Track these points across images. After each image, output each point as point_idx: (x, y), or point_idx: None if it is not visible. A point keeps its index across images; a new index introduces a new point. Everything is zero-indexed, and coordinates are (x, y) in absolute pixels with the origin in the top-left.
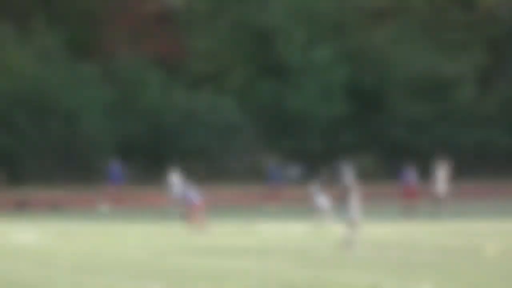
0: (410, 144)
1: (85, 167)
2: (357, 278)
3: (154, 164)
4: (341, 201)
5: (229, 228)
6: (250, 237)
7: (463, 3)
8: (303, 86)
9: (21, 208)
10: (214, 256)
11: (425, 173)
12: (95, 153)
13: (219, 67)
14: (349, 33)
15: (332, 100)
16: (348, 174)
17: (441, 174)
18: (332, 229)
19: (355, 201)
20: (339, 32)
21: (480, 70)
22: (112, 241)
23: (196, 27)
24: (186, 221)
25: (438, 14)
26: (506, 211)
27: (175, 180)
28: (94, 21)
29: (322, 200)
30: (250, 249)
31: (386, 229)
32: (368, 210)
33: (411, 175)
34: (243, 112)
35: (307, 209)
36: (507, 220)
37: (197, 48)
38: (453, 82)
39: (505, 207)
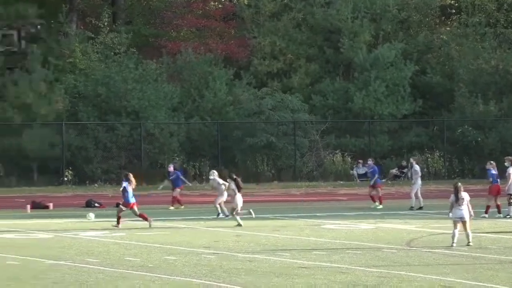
0: (478, 142)
1: (151, 167)
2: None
3: (219, 163)
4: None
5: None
6: (320, 233)
7: None
8: (370, 84)
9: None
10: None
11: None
12: (161, 153)
13: (286, 65)
14: (415, 31)
15: (398, 98)
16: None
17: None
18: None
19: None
20: (405, 30)
21: None
22: (184, 238)
23: (262, 25)
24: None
25: (505, 11)
26: None
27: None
28: (160, 19)
29: None
30: (320, 245)
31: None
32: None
33: (493, 173)
34: (309, 110)
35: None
36: None
37: (263, 46)
38: None
39: None
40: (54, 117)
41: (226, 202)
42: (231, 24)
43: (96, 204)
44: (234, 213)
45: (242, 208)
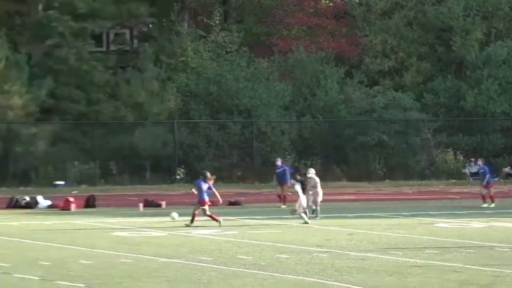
0: None
1: (263, 165)
2: None
3: (331, 162)
4: None
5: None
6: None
7: None
8: (482, 82)
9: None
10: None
11: None
12: (273, 151)
13: (397, 63)
14: None
15: (511, 96)
16: None
17: None
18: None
19: None
20: None
21: None
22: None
23: (373, 24)
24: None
25: None
26: None
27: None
28: (271, 18)
29: None
30: (433, 244)
31: None
32: None
33: None
34: (421, 108)
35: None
36: None
37: (375, 45)
38: None
39: None
40: (166, 115)
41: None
42: (342, 23)
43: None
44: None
45: (304, 208)
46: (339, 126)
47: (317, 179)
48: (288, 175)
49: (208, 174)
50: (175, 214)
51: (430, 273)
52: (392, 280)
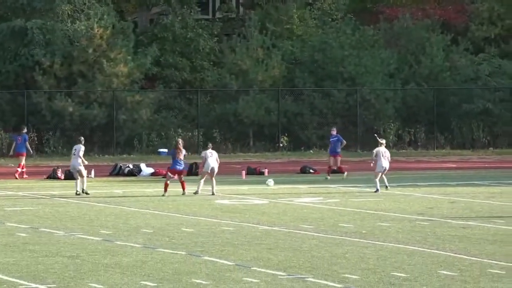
0: None
1: (366, 133)
2: None
3: (434, 130)
4: None
5: None
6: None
7: None
8: None
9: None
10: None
11: None
12: (377, 119)
13: (504, 31)
14: None
15: None
16: None
17: None
18: None
19: None
20: None
21: None
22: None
23: None
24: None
25: None
26: None
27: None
28: None
29: None
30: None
31: None
32: None
33: None
34: None
35: None
36: None
37: (481, 12)
38: None
39: None
40: (270, 83)
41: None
42: None
43: (311, 170)
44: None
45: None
46: (443, 93)
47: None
48: (340, 145)
49: (179, 144)
50: (270, 181)
51: None
52: (493, 249)
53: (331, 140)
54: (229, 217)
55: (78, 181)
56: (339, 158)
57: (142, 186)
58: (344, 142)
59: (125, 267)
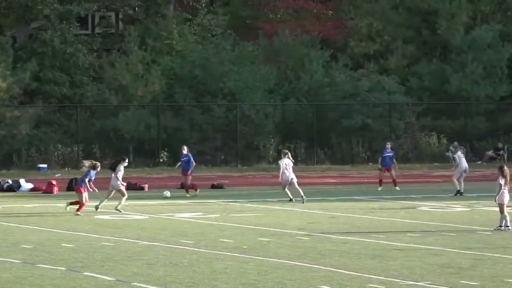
0: None
1: (246, 148)
2: None
3: (314, 145)
4: None
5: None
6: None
7: None
8: (467, 66)
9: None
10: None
11: None
12: (257, 135)
13: (382, 47)
14: None
15: (496, 80)
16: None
17: None
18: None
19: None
20: (503, 11)
21: None
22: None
23: (359, 7)
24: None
25: None
26: None
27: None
28: (258, 1)
29: None
30: (415, 227)
31: None
32: None
33: None
34: (406, 92)
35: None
36: None
37: (360, 28)
38: None
39: None
40: (150, 98)
41: None
42: (328, 6)
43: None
44: None
45: None
46: (323, 109)
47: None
48: (191, 164)
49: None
50: (167, 193)
51: (411, 256)
52: (373, 263)
53: (386, 155)
54: (109, 233)
55: None
56: (393, 172)
57: (22, 201)
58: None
59: (4, 283)
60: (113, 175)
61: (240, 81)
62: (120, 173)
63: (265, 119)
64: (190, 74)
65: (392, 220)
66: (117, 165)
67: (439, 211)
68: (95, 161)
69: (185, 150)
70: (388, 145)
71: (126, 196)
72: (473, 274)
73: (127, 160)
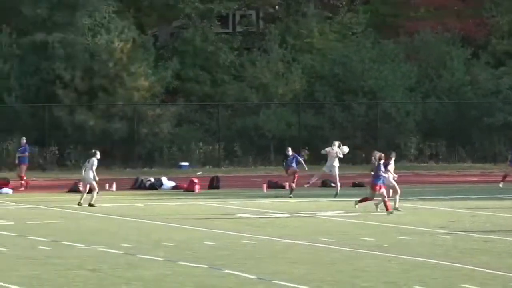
0: None
1: (387, 147)
2: None
3: (455, 144)
4: None
5: None
6: None
7: None
8: None
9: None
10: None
11: None
12: (397, 133)
13: None
14: None
15: None
16: None
17: None
18: None
19: None
20: None
21: None
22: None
23: (501, 4)
24: None
25: None
26: None
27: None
28: None
29: None
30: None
31: None
32: None
33: None
34: None
35: None
36: None
37: (502, 25)
38: None
39: None
40: (291, 97)
41: None
42: (469, 3)
43: (332, 184)
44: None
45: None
46: (464, 107)
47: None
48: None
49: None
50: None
51: None
52: None
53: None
54: (251, 231)
55: (85, 194)
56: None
57: (164, 199)
58: None
59: (147, 281)
60: (87, 168)
61: (380, 79)
62: (94, 167)
63: (406, 117)
64: (330, 73)
65: None
66: (90, 159)
67: None
68: None
69: (290, 151)
70: (289, 151)
71: (96, 191)
72: None
73: (98, 154)
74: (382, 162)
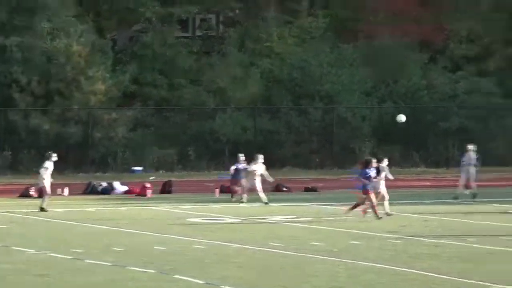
0: None
1: (342, 151)
2: None
3: (410, 149)
4: None
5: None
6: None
7: None
8: None
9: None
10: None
11: None
12: (353, 137)
13: (481, 49)
14: None
15: None
16: None
17: None
18: None
19: None
20: None
21: None
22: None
23: (458, 9)
24: None
25: None
26: None
27: None
28: (355, 3)
29: None
30: (510, 230)
31: None
32: None
33: None
34: (503, 95)
35: None
36: None
37: (458, 30)
38: None
39: None
40: (248, 101)
41: None
42: (427, 8)
43: (284, 189)
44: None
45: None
46: (420, 112)
47: None
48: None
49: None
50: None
51: (505, 259)
52: (465, 267)
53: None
54: (201, 235)
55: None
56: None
57: (115, 204)
58: None
59: (95, 286)
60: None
61: (337, 83)
62: (48, 170)
63: (362, 122)
64: (288, 77)
65: (485, 223)
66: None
67: None
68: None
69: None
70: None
71: (48, 195)
72: None
73: (54, 156)
74: (373, 167)
